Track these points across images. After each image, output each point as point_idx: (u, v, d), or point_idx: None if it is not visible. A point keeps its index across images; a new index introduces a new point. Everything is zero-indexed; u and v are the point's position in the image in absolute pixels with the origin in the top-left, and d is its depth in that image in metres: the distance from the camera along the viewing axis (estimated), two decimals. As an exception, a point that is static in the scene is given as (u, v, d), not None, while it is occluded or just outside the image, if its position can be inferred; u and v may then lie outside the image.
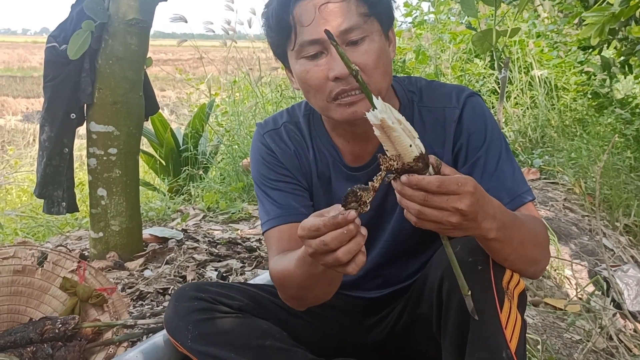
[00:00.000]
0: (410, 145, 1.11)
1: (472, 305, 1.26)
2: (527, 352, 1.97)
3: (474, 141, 1.55)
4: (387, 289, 1.78)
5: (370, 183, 1.14)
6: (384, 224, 1.67)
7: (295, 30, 1.46)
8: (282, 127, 1.72)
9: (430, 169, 1.14)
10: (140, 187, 4.92)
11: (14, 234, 4.05)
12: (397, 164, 1.12)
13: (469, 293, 1.25)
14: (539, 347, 2.50)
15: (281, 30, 1.48)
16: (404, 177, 1.11)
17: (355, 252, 1.17)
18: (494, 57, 3.48)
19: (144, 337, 1.92)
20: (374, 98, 1.13)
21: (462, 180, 1.12)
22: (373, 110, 1.12)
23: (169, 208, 3.99)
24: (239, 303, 1.72)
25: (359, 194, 1.14)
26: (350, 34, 1.44)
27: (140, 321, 1.90)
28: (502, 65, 3.28)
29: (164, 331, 1.73)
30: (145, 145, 6.16)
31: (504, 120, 6.38)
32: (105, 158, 2.70)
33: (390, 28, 1.59)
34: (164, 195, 4.69)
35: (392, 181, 1.14)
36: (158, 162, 5.23)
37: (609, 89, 7.17)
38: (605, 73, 6.40)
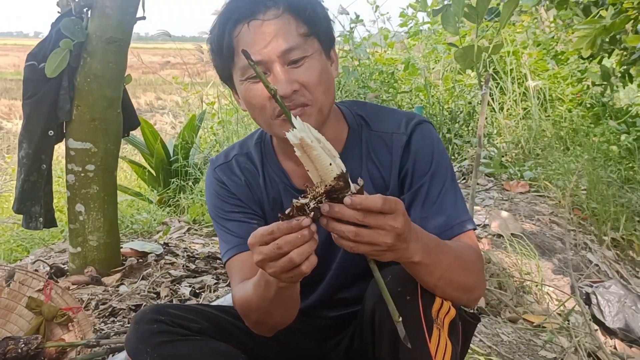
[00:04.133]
0: (330, 164, 1.12)
1: (404, 332, 1.28)
2: None
3: (419, 168, 1.57)
4: (345, 310, 1.80)
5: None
6: (335, 249, 1.69)
7: (237, 54, 1.48)
8: (233, 160, 1.74)
9: (353, 187, 1.14)
10: (130, 198, 4.98)
11: (7, 242, 4.10)
12: (321, 189, 1.13)
13: (400, 319, 1.26)
14: (509, 366, 2.51)
15: (224, 55, 1.50)
16: (347, 199, 1.12)
17: (309, 254, 1.19)
18: (477, 73, 3.49)
19: (109, 356, 1.93)
20: (293, 118, 1.16)
21: (395, 200, 1.15)
22: (292, 130, 1.13)
23: (154, 220, 4.01)
24: (199, 326, 1.74)
25: (299, 205, 1.15)
26: (290, 53, 1.46)
27: (103, 341, 1.93)
28: (484, 82, 3.29)
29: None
30: (137, 155, 6.21)
31: (495, 132, 6.40)
32: (83, 174, 2.73)
33: (332, 47, 1.61)
34: (155, 206, 4.72)
35: (321, 212, 1.14)
36: (148, 172, 5.25)
37: (610, 99, 7.16)
38: (605, 83, 6.42)
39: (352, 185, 1.14)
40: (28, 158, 2.67)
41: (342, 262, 1.70)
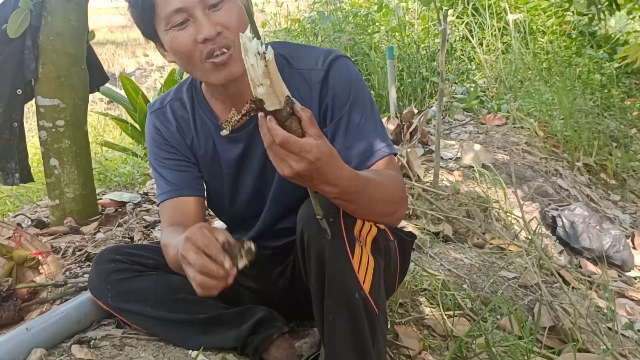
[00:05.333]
0: (269, 81, 1.18)
1: (326, 226, 1.42)
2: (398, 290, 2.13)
3: (338, 100, 1.66)
4: (286, 239, 1.92)
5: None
6: (270, 175, 1.80)
7: (158, 4, 1.55)
8: (168, 105, 1.83)
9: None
10: (118, 153, 5.11)
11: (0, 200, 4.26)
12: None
13: (322, 216, 1.40)
14: (465, 285, 2.66)
15: (145, 7, 1.57)
16: (267, 118, 1.21)
17: (210, 288, 1.31)
18: (436, 9, 3.56)
19: (78, 294, 2.08)
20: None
21: (307, 147, 1.21)
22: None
23: (137, 172, 4.15)
24: (154, 262, 1.89)
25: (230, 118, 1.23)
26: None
27: (71, 280, 2.08)
28: (442, 18, 3.38)
29: (89, 290, 1.91)
30: (123, 112, 6.32)
31: (474, 67, 6.44)
32: (54, 130, 2.85)
33: None
34: (140, 159, 4.85)
35: (259, 114, 1.22)
36: (132, 127, 5.37)
37: (598, 28, 7.16)
38: (591, 12, 6.39)
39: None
40: (-1, 117, 2.79)
41: (276, 193, 1.82)
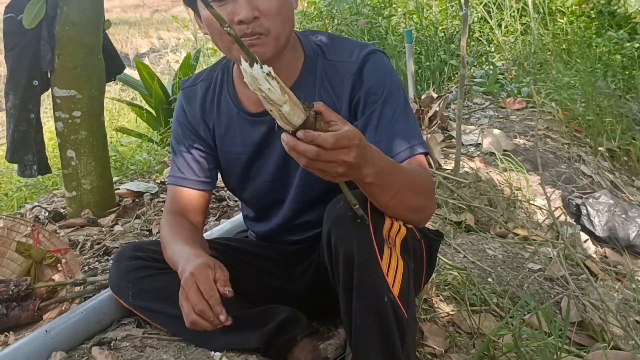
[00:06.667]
0: (284, 99, 1.15)
1: (362, 213, 1.38)
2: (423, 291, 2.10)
3: (371, 94, 1.63)
4: (308, 233, 1.90)
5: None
6: (292, 170, 1.78)
7: None
8: (198, 85, 1.85)
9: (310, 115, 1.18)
10: (134, 139, 5.07)
11: (19, 190, 4.23)
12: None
13: (357, 205, 1.35)
14: (490, 279, 2.60)
15: None
16: (299, 133, 1.17)
17: (199, 327, 1.47)
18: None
19: (98, 292, 2.05)
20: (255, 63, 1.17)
21: (350, 134, 1.19)
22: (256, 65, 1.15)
23: (154, 160, 4.11)
24: (176, 259, 1.85)
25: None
26: None
27: (90, 278, 2.04)
28: (463, 2, 3.29)
29: (111, 288, 1.87)
30: (138, 97, 6.28)
31: (493, 50, 6.34)
32: (70, 121, 2.81)
33: None
34: (156, 145, 4.82)
35: (285, 134, 1.19)
36: (148, 113, 5.33)
37: (618, 7, 7.04)
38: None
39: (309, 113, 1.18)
40: (15, 109, 2.75)
41: (301, 186, 1.79)
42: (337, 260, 1.49)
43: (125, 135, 5.41)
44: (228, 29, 1.21)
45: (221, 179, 1.97)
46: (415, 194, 1.48)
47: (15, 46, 2.72)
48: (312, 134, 1.16)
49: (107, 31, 2.99)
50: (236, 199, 3.03)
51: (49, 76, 2.82)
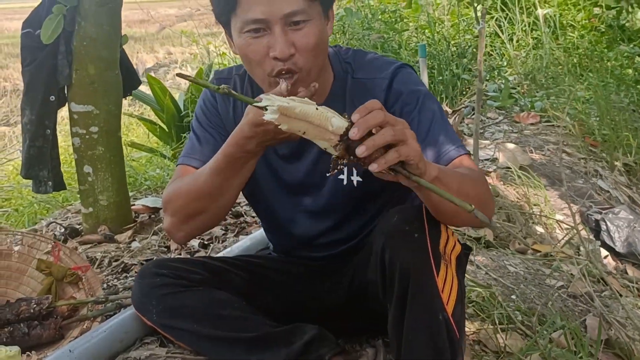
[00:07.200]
0: (317, 108, 1.15)
1: (481, 214, 1.24)
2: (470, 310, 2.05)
3: (406, 105, 1.62)
4: (335, 249, 1.88)
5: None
6: (316, 190, 1.76)
7: (240, 5, 1.50)
8: (233, 79, 1.81)
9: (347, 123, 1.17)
10: (145, 154, 5.05)
11: (30, 205, 4.21)
12: (337, 140, 1.16)
13: (473, 207, 1.21)
14: (513, 296, 2.56)
15: (228, 2, 1.53)
16: (353, 132, 1.14)
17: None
18: (474, 8, 3.46)
19: (120, 310, 2.02)
20: (257, 101, 1.17)
21: (392, 119, 1.20)
22: (264, 111, 1.14)
23: (167, 175, 4.09)
24: (199, 276, 1.81)
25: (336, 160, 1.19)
26: (294, 16, 1.50)
27: (112, 296, 2.01)
28: (480, 16, 3.28)
29: (134, 305, 1.84)
30: (146, 112, 6.27)
31: (505, 64, 6.33)
32: (87, 137, 2.78)
33: (331, 7, 1.64)
34: (169, 161, 4.79)
35: (358, 157, 1.15)
36: (160, 128, 5.31)
37: (625, 21, 7.02)
38: (619, 5, 6.29)
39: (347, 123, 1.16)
40: (32, 124, 2.72)
41: (324, 205, 1.78)
42: (392, 274, 1.45)
43: (135, 150, 5.39)
44: (221, 89, 1.20)
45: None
46: (476, 187, 1.45)
47: (33, 61, 2.70)
48: (369, 143, 1.15)
49: (124, 48, 2.97)
50: (253, 214, 3.00)
51: (65, 91, 2.80)
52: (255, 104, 1.17)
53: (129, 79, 3.01)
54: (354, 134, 1.14)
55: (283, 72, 1.52)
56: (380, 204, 1.79)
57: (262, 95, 1.17)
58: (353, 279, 1.82)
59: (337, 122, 1.15)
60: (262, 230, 2.56)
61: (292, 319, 1.81)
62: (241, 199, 3.37)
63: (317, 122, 1.14)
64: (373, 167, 1.15)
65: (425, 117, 1.60)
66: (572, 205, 3.78)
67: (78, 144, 2.81)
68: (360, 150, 1.13)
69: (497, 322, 2.23)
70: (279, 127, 1.14)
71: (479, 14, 3.28)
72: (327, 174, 1.24)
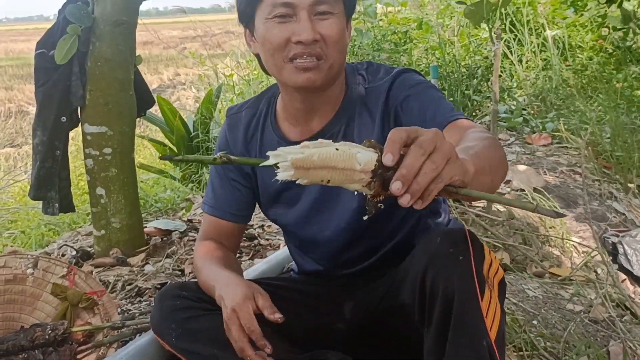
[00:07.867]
0: (337, 149, 0.99)
1: (552, 209, 1.21)
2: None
3: (407, 96, 1.61)
4: (355, 267, 1.85)
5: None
6: (332, 209, 1.75)
7: None
8: (243, 112, 1.83)
9: (376, 155, 1.01)
10: (154, 175, 5.02)
11: (38, 227, 4.17)
12: (367, 178, 1.00)
13: (536, 205, 1.07)
14: (535, 321, 2.51)
15: None
16: (395, 184, 0.98)
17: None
18: (489, 29, 3.44)
19: (135, 336, 1.97)
20: (265, 159, 1.05)
21: (421, 130, 1.04)
22: (276, 171, 1.01)
23: (178, 197, 4.05)
24: (221, 300, 1.77)
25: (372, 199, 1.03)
26: (320, 5, 1.52)
27: (128, 322, 1.96)
28: (495, 37, 3.25)
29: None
30: (152, 132, 6.25)
31: (515, 85, 6.31)
32: (100, 158, 2.75)
33: (350, 17, 1.67)
34: (178, 183, 4.76)
35: (396, 196, 0.99)
36: (169, 149, 5.28)
37: (632, 42, 7.00)
38: (626, 27, 6.29)
39: (376, 154, 1.01)
40: (43, 145, 2.69)
41: (342, 226, 1.76)
42: (433, 297, 1.40)
43: (143, 171, 5.36)
44: (218, 158, 1.08)
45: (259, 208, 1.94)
46: (495, 151, 1.33)
47: (46, 82, 2.68)
48: (394, 139, 1.00)
49: (138, 69, 2.95)
50: (267, 237, 2.95)
51: (78, 112, 2.77)
52: (263, 164, 1.04)
53: (143, 99, 2.98)
54: (389, 160, 0.99)
55: (304, 55, 1.52)
56: (405, 210, 1.75)
57: (269, 152, 1.04)
58: (379, 304, 1.77)
59: (364, 156, 1.00)
60: (276, 254, 2.53)
61: (315, 342, 1.77)
62: (254, 220, 3.34)
63: (342, 165, 0.98)
64: (418, 205, 1.02)
65: (424, 97, 1.59)
66: (587, 227, 3.73)
67: (91, 165, 2.78)
68: (397, 188, 0.99)
69: (522, 348, 2.18)
70: (297, 182, 1.00)
71: (494, 34, 3.25)
72: (365, 217, 1.11)
